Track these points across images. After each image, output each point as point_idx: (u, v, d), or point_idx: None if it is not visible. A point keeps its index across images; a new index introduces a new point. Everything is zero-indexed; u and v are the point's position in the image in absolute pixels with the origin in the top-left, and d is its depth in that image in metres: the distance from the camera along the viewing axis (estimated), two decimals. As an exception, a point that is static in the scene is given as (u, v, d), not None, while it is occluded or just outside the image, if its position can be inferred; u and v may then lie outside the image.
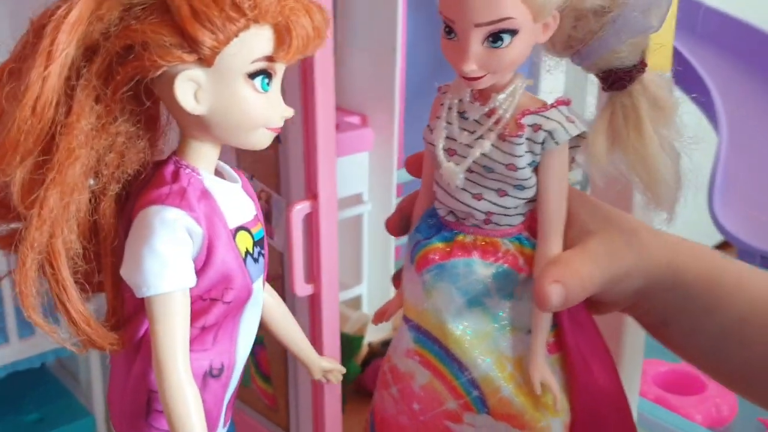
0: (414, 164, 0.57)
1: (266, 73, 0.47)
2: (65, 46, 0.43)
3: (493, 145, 0.48)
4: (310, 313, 0.88)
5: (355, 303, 1.20)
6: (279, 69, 0.48)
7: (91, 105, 0.45)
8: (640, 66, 0.48)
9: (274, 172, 0.93)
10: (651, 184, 0.49)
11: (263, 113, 0.47)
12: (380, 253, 1.17)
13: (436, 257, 0.51)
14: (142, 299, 0.47)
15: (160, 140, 0.51)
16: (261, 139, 0.49)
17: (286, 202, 0.91)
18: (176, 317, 0.46)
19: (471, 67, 0.45)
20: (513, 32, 0.44)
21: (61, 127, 0.44)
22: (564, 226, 0.50)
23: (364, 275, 1.17)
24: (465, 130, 0.49)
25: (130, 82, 0.44)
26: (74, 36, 0.43)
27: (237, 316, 0.52)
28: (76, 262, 0.47)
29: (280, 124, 0.49)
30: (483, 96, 0.49)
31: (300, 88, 0.84)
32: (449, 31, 0.46)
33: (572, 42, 0.47)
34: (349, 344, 1.09)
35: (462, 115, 0.50)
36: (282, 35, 0.46)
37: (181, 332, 0.46)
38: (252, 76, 0.46)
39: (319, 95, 0.81)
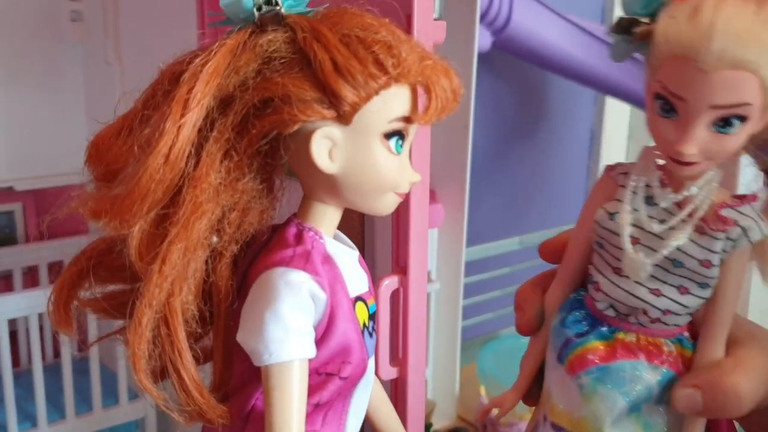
0: (552, 250, 0.56)
1: (401, 135, 0.48)
2: (202, 96, 0.45)
3: (689, 238, 0.47)
4: (393, 400, 0.87)
5: (419, 387, 1.19)
6: (412, 131, 0.49)
7: (222, 159, 0.46)
8: None
9: (359, 244, 0.94)
10: None
11: (395, 176, 0.49)
12: (446, 335, 1.16)
13: (596, 359, 0.50)
14: (254, 369, 0.47)
15: (277, 204, 0.53)
16: (388, 204, 0.50)
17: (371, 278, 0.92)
18: (294, 389, 0.47)
19: (692, 151, 0.44)
20: (744, 119, 0.44)
21: (190, 179, 0.46)
22: None
23: (430, 358, 1.17)
24: (653, 218, 0.48)
25: (266, 136, 0.46)
26: (212, 87, 0.45)
27: (348, 396, 0.52)
28: (191, 325, 0.48)
29: (407, 189, 0.50)
30: (674, 183, 0.48)
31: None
32: (669, 109, 0.45)
33: (764, 133, 0.47)
34: (415, 432, 1.07)
35: (648, 201, 0.49)
36: (421, 96, 0.48)
37: (297, 405, 0.47)
38: (388, 136, 0.48)
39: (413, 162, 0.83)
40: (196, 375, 0.48)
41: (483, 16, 1.33)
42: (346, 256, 0.52)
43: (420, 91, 0.48)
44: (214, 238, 0.48)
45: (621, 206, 0.49)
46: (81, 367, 1.50)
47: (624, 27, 0.47)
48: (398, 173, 0.49)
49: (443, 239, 1.14)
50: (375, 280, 0.87)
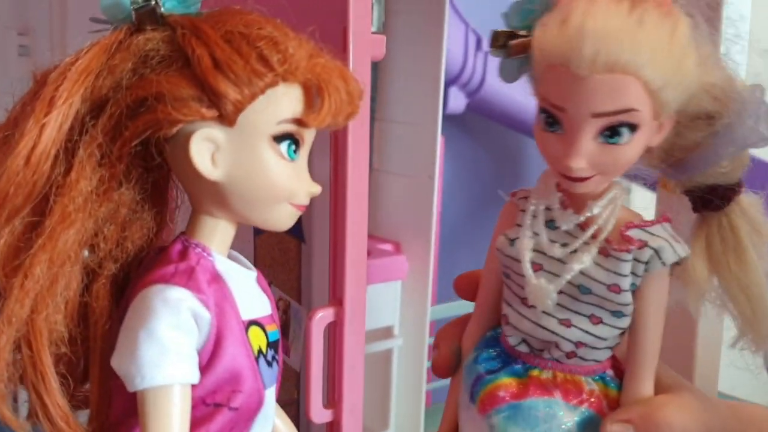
0: (466, 284, 0.56)
1: (293, 139, 0.47)
2: (69, 94, 0.44)
3: (594, 261, 0.46)
4: (328, 446, 0.85)
5: (380, 453, 1.16)
6: (308, 137, 0.48)
7: (94, 166, 0.45)
8: (738, 185, 0.48)
9: (295, 276, 0.93)
10: (752, 318, 0.49)
11: (288, 184, 0.48)
12: (410, 394, 1.13)
13: (507, 396, 0.49)
14: (134, 399, 0.46)
15: (168, 222, 0.52)
16: (283, 217, 0.49)
17: (307, 310, 0.90)
18: (173, 417, 0.45)
19: (580, 164, 0.44)
20: (633, 127, 0.43)
21: (58, 187, 0.45)
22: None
23: (391, 420, 1.14)
24: (555, 242, 0.48)
25: (138, 138, 0.45)
26: (81, 86, 0.45)
27: (244, 431, 0.51)
28: (59, 347, 0.46)
29: (305, 201, 0.49)
30: (575, 203, 0.48)
31: (329, 174, 0.84)
32: (552, 122, 0.45)
33: (674, 150, 0.47)
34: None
35: (549, 224, 0.49)
36: (313, 96, 0.47)
37: None
38: (277, 139, 0.47)
39: (350, 181, 0.81)
40: (61, 402, 0.46)
41: (456, 78, 1.37)
42: (240, 276, 0.51)
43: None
44: (86, 253, 0.46)
45: (521, 231, 0.49)
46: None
47: (500, 41, 0.47)
48: (292, 181, 0.48)
49: (407, 293, 1.13)
50: (309, 313, 0.86)
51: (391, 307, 1.10)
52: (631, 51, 0.41)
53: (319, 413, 0.84)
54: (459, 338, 0.55)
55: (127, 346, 0.45)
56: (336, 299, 0.85)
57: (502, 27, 0.48)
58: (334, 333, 0.85)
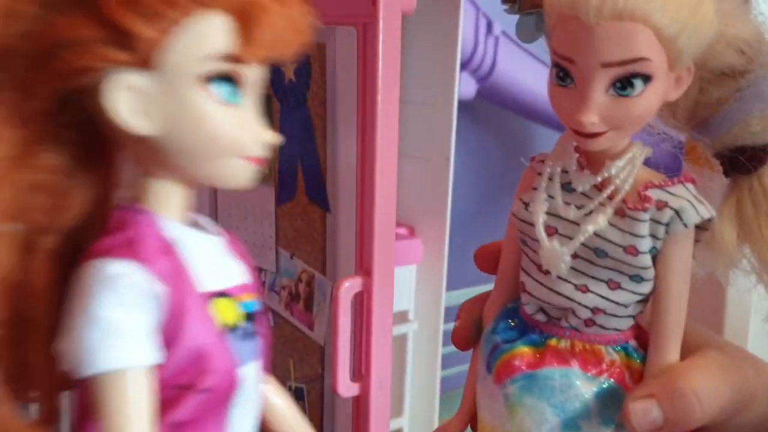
0: (487, 256, 0.54)
1: (229, 79, 0.42)
2: None
3: (609, 222, 0.45)
4: (354, 420, 0.83)
5: (394, 437, 1.14)
6: (251, 76, 0.44)
7: (8, 128, 0.41)
8: None
9: (320, 247, 0.91)
10: None
11: (229, 132, 0.43)
12: (425, 380, 1.13)
13: (523, 365, 0.48)
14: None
15: (113, 190, 0.48)
16: (234, 172, 0.44)
17: (332, 282, 0.88)
18: (128, 405, 0.41)
19: (592, 119, 0.43)
20: (646, 78, 0.42)
21: None
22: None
23: (406, 406, 1.13)
24: (571, 204, 0.47)
25: (51, 93, 0.41)
26: None
27: (222, 413, 0.47)
28: None
29: (258, 152, 0.44)
30: (593, 164, 0.46)
31: (357, 141, 0.82)
32: (564, 76, 0.44)
33: (699, 109, 0.46)
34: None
35: (566, 187, 0.47)
36: (242, 25, 0.41)
37: (137, 428, 0.41)
38: (210, 80, 0.42)
39: (379, 149, 0.78)
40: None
41: (466, 64, 1.38)
42: (199, 243, 0.46)
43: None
44: (11, 225, 0.43)
45: (535, 194, 0.48)
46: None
47: None
48: (234, 129, 0.43)
49: (422, 277, 1.12)
50: (335, 284, 0.84)
51: (407, 291, 1.10)
52: None
53: (346, 387, 0.82)
54: (480, 310, 0.54)
55: (67, 330, 0.42)
56: (363, 269, 0.83)
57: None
58: (360, 305, 0.83)
